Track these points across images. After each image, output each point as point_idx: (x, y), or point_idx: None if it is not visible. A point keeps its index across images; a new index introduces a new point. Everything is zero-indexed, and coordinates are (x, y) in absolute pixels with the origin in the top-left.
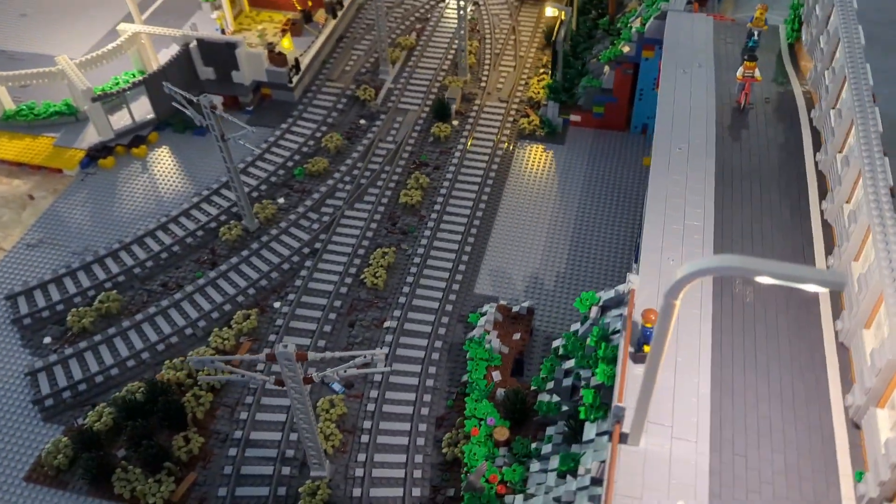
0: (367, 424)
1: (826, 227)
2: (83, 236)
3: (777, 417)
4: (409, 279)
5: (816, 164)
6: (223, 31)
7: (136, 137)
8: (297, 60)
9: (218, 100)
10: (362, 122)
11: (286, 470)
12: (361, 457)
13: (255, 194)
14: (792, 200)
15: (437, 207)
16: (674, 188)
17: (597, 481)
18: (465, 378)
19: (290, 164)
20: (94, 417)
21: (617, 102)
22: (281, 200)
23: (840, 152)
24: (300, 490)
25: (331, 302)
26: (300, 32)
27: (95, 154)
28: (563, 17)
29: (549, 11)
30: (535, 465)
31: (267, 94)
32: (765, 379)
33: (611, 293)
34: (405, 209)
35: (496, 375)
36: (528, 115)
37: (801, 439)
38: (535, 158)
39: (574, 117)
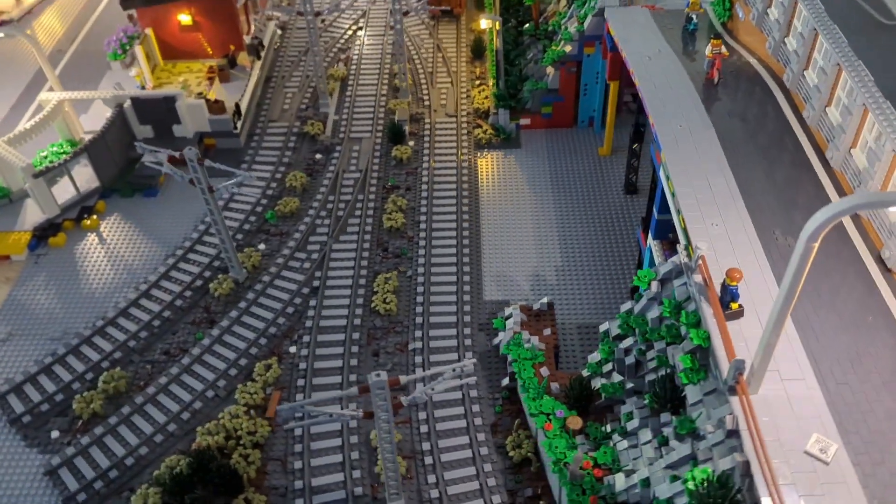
0: (426, 446)
1: (829, 171)
2: (56, 320)
3: (859, 343)
4: (419, 299)
5: (802, 120)
6: (143, 88)
7: (83, 209)
8: (237, 106)
9: (193, 153)
10: (318, 156)
11: None
12: (431, 478)
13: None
14: (790, 155)
15: (422, 226)
16: (690, 161)
17: (732, 433)
18: (505, 382)
19: (258, 209)
20: (138, 501)
21: (564, 101)
22: (262, 246)
23: (828, 105)
24: None
25: (349, 335)
26: (228, 78)
27: (42, 234)
28: (497, 27)
29: (484, 23)
30: (622, 444)
31: (211, 145)
32: (833, 311)
33: (668, 266)
34: (391, 233)
35: (544, 371)
36: (480, 126)
37: (886, 356)
38: (499, 165)
39: (524, 121)
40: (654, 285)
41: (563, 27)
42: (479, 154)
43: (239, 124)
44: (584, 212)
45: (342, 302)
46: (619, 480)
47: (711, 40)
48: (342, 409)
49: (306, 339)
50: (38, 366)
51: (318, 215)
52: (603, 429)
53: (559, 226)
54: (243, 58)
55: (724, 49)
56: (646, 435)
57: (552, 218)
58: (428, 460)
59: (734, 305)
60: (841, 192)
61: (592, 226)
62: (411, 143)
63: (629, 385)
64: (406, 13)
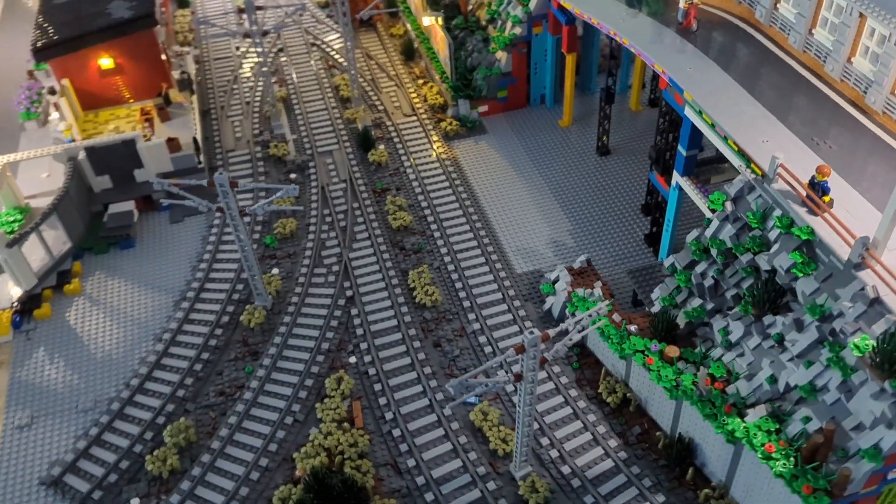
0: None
1: (827, 84)
2: (78, 391)
3: None
4: (459, 285)
5: (782, 48)
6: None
7: (60, 274)
8: (195, 140)
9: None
10: (293, 175)
11: (492, 485)
12: (545, 440)
13: (244, 275)
14: (789, 78)
15: (430, 219)
16: (713, 95)
17: (874, 301)
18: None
19: (256, 236)
20: None
21: (517, 83)
22: (276, 271)
23: (814, 27)
24: (520, 493)
25: (405, 332)
26: (169, 116)
27: (23, 309)
28: (440, 23)
29: (427, 21)
30: (728, 356)
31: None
32: None
33: (738, 185)
34: (401, 232)
35: (616, 317)
36: (443, 119)
37: None
38: (474, 151)
39: (482, 108)
40: (728, 205)
41: (502, 13)
42: (451, 146)
43: (202, 158)
44: (569, 177)
45: (384, 304)
46: (742, 386)
47: None
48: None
49: (363, 346)
50: (87, 439)
51: (321, 230)
52: (697, 351)
53: (554, 193)
54: (177, 95)
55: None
56: (754, 340)
57: (544, 188)
58: (535, 425)
59: (826, 198)
60: (846, 99)
61: (583, 187)
62: (381, 146)
63: (709, 306)
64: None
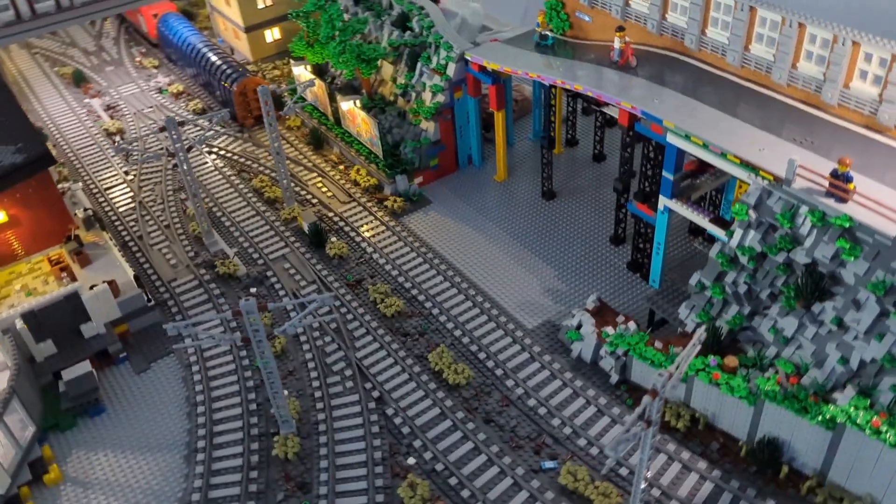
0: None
1: (775, 90)
2: None
3: None
4: (482, 355)
5: (719, 67)
6: None
7: (33, 466)
8: (136, 277)
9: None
10: (254, 290)
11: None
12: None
13: (251, 406)
14: (733, 90)
15: (420, 298)
16: (696, 117)
17: None
18: (614, 378)
19: (245, 362)
20: None
21: (446, 149)
22: (286, 392)
23: (749, 44)
24: None
25: (454, 418)
26: (89, 259)
27: None
28: (360, 105)
29: (346, 105)
30: (787, 350)
31: (124, 332)
32: None
33: (755, 193)
34: (398, 317)
35: (658, 344)
36: (385, 199)
37: None
38: (429, 223)
39: (417, 179)
40: (752, 213)
41: (415, 85)
42: (402, 222)
43: (153, 297)
44: (528, 225)
45: (417, 395)
46: (817, 374)
47: (617, 33)
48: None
49: (417, 443)
50: None
51: (314, 336)
52: (751, 355)
53: (522, 244)
54: (88, 235)
55: (627, 38)
56: (810, 330)
57: (510, 241)
58: (623, 471)
59: (851, 186)
60: (798, 100)
61: (545, 232)
62: (333, 238)
63: (746, 311)
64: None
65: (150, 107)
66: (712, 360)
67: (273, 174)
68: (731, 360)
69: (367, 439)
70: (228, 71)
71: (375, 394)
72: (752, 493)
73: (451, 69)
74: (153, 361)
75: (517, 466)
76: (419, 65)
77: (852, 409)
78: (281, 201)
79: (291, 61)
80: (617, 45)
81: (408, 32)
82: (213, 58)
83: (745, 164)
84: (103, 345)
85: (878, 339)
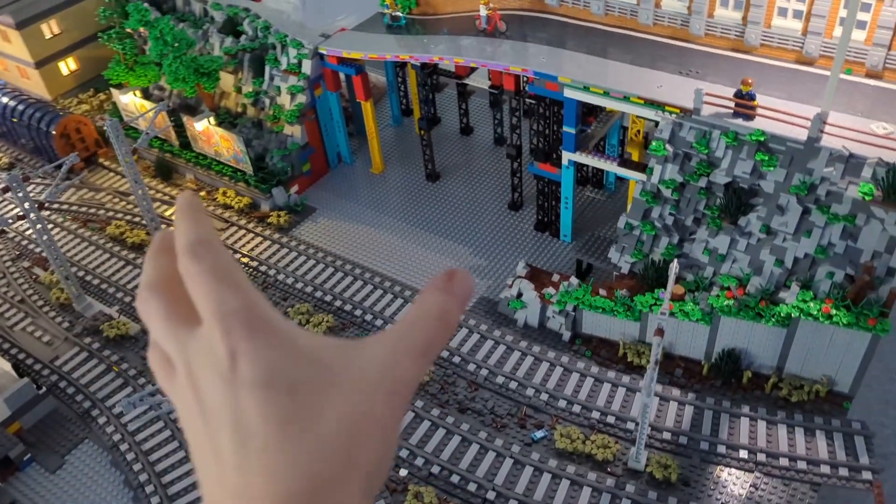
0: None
1: (649, 33)
2: None
3: None
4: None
5: (590, 18)
6: None
7: None
8: (14, 366)
9: None
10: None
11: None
12: (630, 424)
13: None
14: (614, 37)
15: (347, 308)
16: (584, 70)
17: (850, 156)
18: (566, 336)
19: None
20: None
21: (315, 150)
22: None
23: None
24: (654, 474)
25: (429, 415)
26: None
27: None
28: (214, 122)
29: (199, 125)
30: (725, 266)
31: (18, 430)
32: None
33: (667, 129)
34: (332, 332)
35: (602, 291)
36: (267, 217)
37: None
38: (321, 231)
39: (293, 189)
40: (669, 147)
41: (268, 91)
42: (293, 236)
43: (38, 382)
44: (424, 211)
45: None
46: (758, 281)
47: (481, 2)
48: None
49: (404, 453)
50: None
51: None
52: (697, 278)
53: (426, 230)
54: None
55: (492, 4)
56: (742, 243)
57: (413, 230)
58: (610, 418)
59: (755, 103)
60: (666, 36)
61: (444, 213)
62: None
63: (675, 240)
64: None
65: None
66: (661, 293)
67: (128, 217)
68: (678, 289)
69: None
70: (37, 113)
71: None
72: (727, 404)
73: (307, 66)
74: (66, 455)
75: (511, 445)
76: (267, 68)
77: (802, 302)
78: (146, 244)
79: (113, 90)
80: (483, 12)
81: (242, 37)
82: (7, 100)
83: (650, 103)
84: (2, 452)
85: (807, 235)
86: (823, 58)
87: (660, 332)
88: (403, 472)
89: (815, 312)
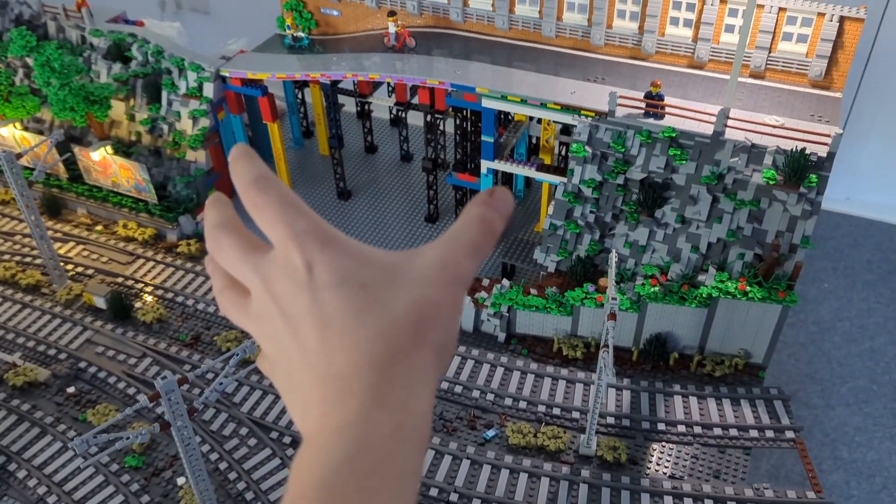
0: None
1: (551, 45)
2: None
3: None
4: None
5: (494, 32)
6: None
7: None
8: None
9: None
10: (71, 389)
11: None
12: (577, 414)
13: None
14: (520, 50)
15: None
16: (499, 78)
17: (752, 146)
18: (501, 337)
19: (111, 469)
20: None
21: (221, 176)
22: (181, 480)
23: (512, 9)
24: (599, 454)
25: None
26: None
27: None
28: (111, 151)
29: (97, 155)
30: (646, 257)
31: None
32: None
33: (584, 131)
34: None
35: (534, 291)
36: (176, 247)
37: None
38: None
39: (200, 216)
40: (588, 149)
41: (167, 117)
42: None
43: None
44: (341, 226)
45: None
46: (677, 267)
47: (390, 18)
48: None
49: None
50: None
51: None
52: (620, 270)
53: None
54: None
55: (400, 21)
56: (659, 233)
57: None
58: (556, 410)
59: (663, 103)
60: (568, 47)
61: (360, 231)
62: (138, 304)
63: (597, 236)
64: None
65: None
66: (590, 287)
67: (17, 258)
68: (604, 281)
69: None
70: None
71: (287, 439)
72: (660, 385)
73: (209, 89)
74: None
75: (465, 447)
76: (164, 93)
77: (720, 283)
78: (43, 285)
79: None
80: (392, 29)
81: (133, 63)
82: None
83: (566, 108)
84: None
85: (718, 221)
86: (712, 62)
87: (612, 315)
88: None
89: (733, 290)
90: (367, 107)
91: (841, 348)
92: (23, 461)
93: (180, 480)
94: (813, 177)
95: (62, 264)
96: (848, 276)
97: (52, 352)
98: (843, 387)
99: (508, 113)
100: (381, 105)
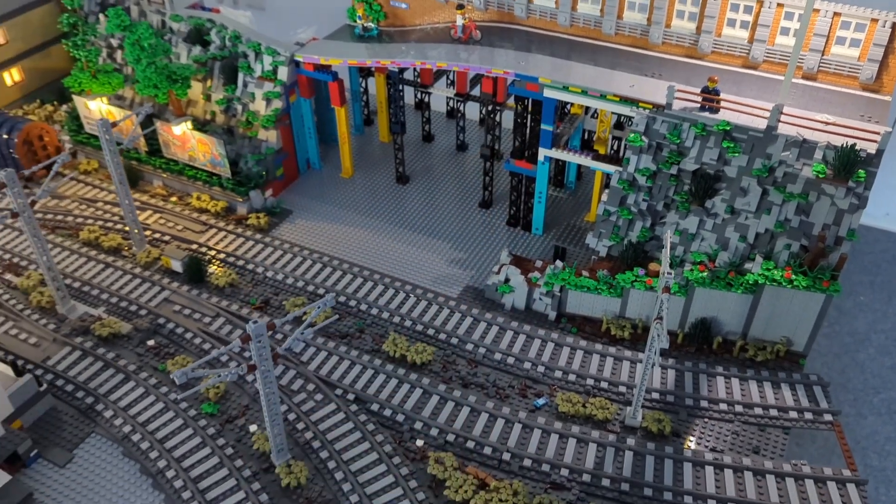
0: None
1: (611, 42)
2: None
3: None
4: (430, 332)
5: (555, 29)
6: None
7: None
8: (14, 364)
9: None
10: (151, 341)
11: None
12: (624, 387)
13: (227, 451)
14: (580, 46)
15: (342, 300)
16: (563, 72)
17: (804, 141)
18: (552, 315)
19: (183, 404)
20: None
21: (288, 156)
22: (254, 427)
23: (622, 13)
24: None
25: (437, 391)
26: None
27: None
28: (190, 127)
29: (179, 129)
30: (694, 244)
31: (19, 428)
32: None
33: (642, 122)
34: (331, 323)
35: (586, 273)
36: (245, 219)
37: None
38: (301, 232)
39: (268, 192)
40: (644, 138)
41: (242, 98)
42: (275, 236)
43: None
44: (398, 210)
45: (393, 384)
46: (724, 255)
47: (458, 11)
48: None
49: (418, 425)
50: None
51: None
52: (670, 257)
53: (404, 228)
54: None
55: (468, 14)
56: (709, 223)
57: (392, 229)
58: (603, 384)
59: (719, 98)
60: (627, 44)
61: (417, 212)
62: (213, 268)
63: (648, 223)
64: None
65: None
66: (640, 270)
67: (99, 223)
68: (654, 266)
69: (368, 438)
70: None
71: (350, 396)
72: (703, 366)
73: (284, 73)
74: (74, 449)
75: (518, 412)
76: (241, 76)
77: (766, 270)
78: (124, 248)
79: (76, 98)
80: (460, 22)
81: (211, 46)
82: None
83: (626, 100)
84: (11, 447)
85: (767, 213)
86: (766, 62)
87: (667, 289)
88: (420, 443)
89: (779, 277)
90: (426, 98)
91: (875, 360)
92: (109, 402)
93: (252, 427)
94: (861, 172)
95: (137, 233)
96: (884, 290)
97: (133, 308)
98: (876, 397)
99: (566, 106)
100: (440, 96)
